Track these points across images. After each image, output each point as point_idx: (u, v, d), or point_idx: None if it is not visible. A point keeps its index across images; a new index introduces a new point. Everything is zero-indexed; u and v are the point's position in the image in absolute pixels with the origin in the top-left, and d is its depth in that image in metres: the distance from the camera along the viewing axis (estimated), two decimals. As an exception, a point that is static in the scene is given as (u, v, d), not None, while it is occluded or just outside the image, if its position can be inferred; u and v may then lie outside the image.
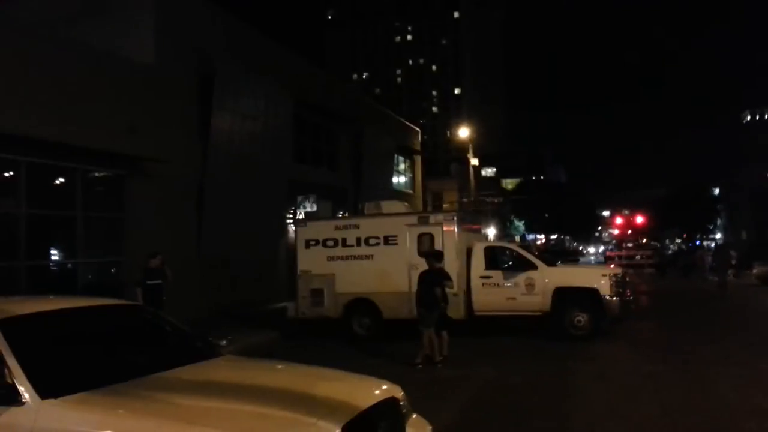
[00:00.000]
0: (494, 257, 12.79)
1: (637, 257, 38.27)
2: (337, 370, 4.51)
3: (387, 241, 12.99)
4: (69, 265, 13.82)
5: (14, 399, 3.30)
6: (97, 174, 14.30)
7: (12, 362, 3.44)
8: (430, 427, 4.23)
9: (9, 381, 3.37)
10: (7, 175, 12.30)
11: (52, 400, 3.29)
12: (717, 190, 79.69)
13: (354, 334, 12.92)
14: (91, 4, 15.22)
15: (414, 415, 4.26)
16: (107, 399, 3.38)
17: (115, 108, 13.69)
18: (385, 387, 4.13)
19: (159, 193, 14.88)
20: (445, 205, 43.62)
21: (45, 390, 3.33)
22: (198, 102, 16.77)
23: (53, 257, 13.95)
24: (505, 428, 6.38)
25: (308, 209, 21.06)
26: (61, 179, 13.69)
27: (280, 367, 4.57)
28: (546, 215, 70.60)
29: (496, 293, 12.42)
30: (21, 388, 3.32)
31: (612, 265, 18.81)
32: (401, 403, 4.11)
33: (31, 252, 12.20)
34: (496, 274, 12.48)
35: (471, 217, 16.42)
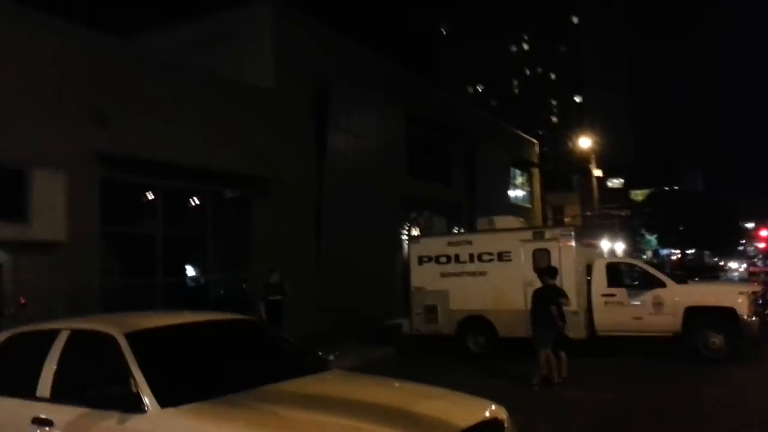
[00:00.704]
0: (617, 274, 12.16)
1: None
2: (441, 388, 4.47)
3: (501, 257, 12.73)
4: (201, 281, 14.86)
5: (138, 407, 3.59)
6: (224, 195, 15.31)
7: (137, 373, 3.75)
8: (536, 452, 4.06)
9: (134, 390, 3.67)
10: (145, 198, 13.47)
11: (171, 409, 3.55)
12: None
13: (469, 351, 12.74)
14: (213, 32, 16.38)
15: (520, 438, 4.12)
16: (219, 409, 3.59)
17: (239, 131, 14.62)
18: (488, 407, 4.05)
19: (280, 211, 15.64)
20: (566, 220, 42.08)
21: (165, 400, 3.60)
22: (314, 122, 17.49)
23: (187, 274, 15.07)
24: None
25: (422, 225, 21.19)
26: (193, 200, 14.79)
27: (384, 382, 4.61)
28: (680, 228, 65.77)
29: (620, 312, 11.75)
30: (144, 398, 3.61)
31: (756, 283, 17.03)
32: (505, 425, 4.00)
33: (167, 270, 13.24)
34: (620, 292, 11.82)
35: (590, 232, 15.69)
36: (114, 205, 11.90)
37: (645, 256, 51.05)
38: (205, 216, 14.42)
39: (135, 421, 3.55)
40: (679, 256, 68.52)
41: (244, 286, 15.27)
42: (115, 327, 4.20)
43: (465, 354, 12.67)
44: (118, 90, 11.97)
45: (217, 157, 13.65)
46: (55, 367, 4.14)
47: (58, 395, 4.00)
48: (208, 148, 13.55)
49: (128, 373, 3.76)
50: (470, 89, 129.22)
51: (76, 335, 4.33)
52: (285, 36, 16.75)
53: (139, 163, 11.91)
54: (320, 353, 5.08)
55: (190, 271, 15.20)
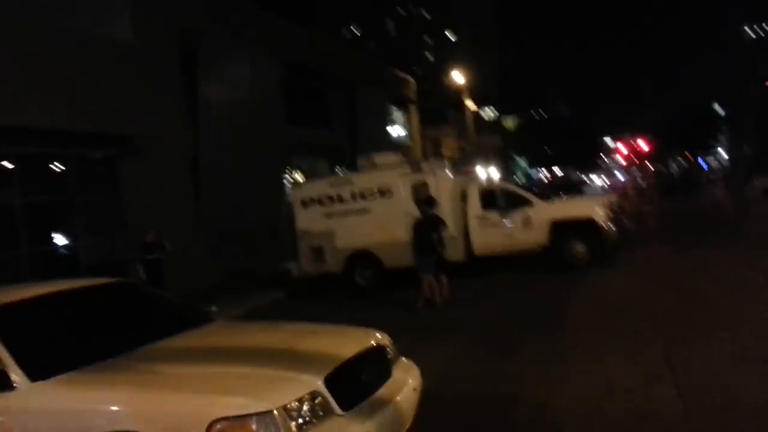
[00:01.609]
0: (490, 198, 12.81)
1: (642, 183, 38.12)
2: (325, 324, 4.64)
3: (382, 193, 13.04)
4: (71, 249, 14.02)
5: (6, 384, 3.44)
6: (90, 157, 14.33)
7: (1, 349, 3.57)
8: (417, 370, 4.35)
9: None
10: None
11: (42, 382, 3.44)
12: (718, 108, 78.43)
13: (357, 286, 13.13)
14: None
15: (402, 359, 4.38)
16: (95, 375, 3.52)
17: (101, 89, 13.57)
18: (371, 336, 4.25)
19: (154, 170, 14.92)
20: (445, 152, 43.40)
21: (35, 373, 3.47)
22: (184, 76, 16.61)
23: (56, 242, 14.14)
24: (501, 359, 6.54)
25: (304, 169, 21.12)
26: (54, 166, 13.74)
27: (267, 327, 4.71)
28: (546, 149, 70.09)
29: (494, 233, 12.51)
30: (11, 374, 3.46)
31: (616, 194, 18.67)
32: (387, 349, 4.23)
33: (32, 240, 12.37)
34: (492, 214, 12.56)
35: (465, 161, 16.37)
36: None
37: (516, 179, 54.07)
38: (71, 181, 13.48)
39: (4, 398, 3.41)
40: (550, 179, 73.17)
41: (117, 250, 14.59)
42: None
43: (354, 289, 13.05)
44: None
45: (78, 119, 12.66)
46: None
47: None
48: (67, 109, 12.52)
49: (-9, 351, 3.57)
50: (346, 32, 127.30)
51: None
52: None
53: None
54: (202, 306, 5.06)
55: (60, 239, 14.27)
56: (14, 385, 3.43)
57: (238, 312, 9.83)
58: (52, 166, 13.74)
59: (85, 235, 13.87)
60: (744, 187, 20.05)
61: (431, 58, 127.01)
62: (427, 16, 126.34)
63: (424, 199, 10.95)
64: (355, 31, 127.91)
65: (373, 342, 4.15)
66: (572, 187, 44.80)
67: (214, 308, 5.03)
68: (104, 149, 14.21)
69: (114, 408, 3.23)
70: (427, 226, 10.06)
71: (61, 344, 3.98)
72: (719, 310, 7.30)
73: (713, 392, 4.78)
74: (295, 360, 3.68)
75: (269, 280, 15.12)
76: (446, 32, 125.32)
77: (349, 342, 4.07)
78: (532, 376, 5.86)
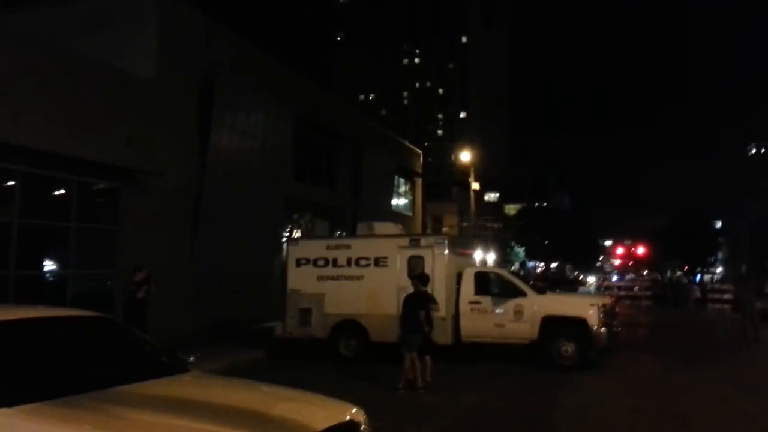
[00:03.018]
0: (484, 282, 12.74)
1: (635, 288, 38.01)
2: (301, 391, 4.50)
3: (378, 262, 12.99)
4: (60, 276, 13.85)
5: (-34, 407, 3.31)
6: (93, 186, 14.40)
7: (-32, 371, 3.46)
8: (389, 452, 4.20)
9: (-37, 390, 3.38)
10: (2, 183, 12.39)
11: (5, 410, 3.31)
12: (719, 223, 79.45)
13: (340, 355, 12.85)
14: (95, 16, 15.41)
15: (375, 440, 4.24)
16: (60, 410, 3.39)
17: (112, 120, 13.84)
18: (347, 410, 4.13)
19: (155, 207, 14.96)
20: (444, 229, 43.69)
21: (-1, 399, 3.34)
22: (197, 117, 16.93)
23: (45, 268, 13.99)
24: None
25: (304, 227, 21.13)
26: (57, 190, 13.78)
27: (242, 385, 4.57)
28: (546, 242, 70.46)
29: (484, 319, 12.36)
30: (-26, 396, 3.34)
31: (609, 296, 18.54)
32: (361, 426, 4.10)
33: (22, 262, 12.24)
34: (485, 300, 12.44)
35: (464, 242, 16.41)
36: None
37: (513, 267, 54.03)
38: (70, 207, 13.47)
39: (-37, 422, 3.27)
40: (543, 268, 73.30)
41: (110, 283, 14.43)
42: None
43: (336, 358, 12.77)
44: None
45: (87, 146, 12.83)
46: None
47: None
48: (77, 135, 12.73)
49: (-43, 372, 3.46)
50: (362, 97, 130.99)
51: None
52: (170, 25, 16.09)
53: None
54: (180, 355, 4.94)
55: (49, 264, 14.12)
56: (-25, 408, 3.30)
57: (216, 366, 9.57)
58: (54, 190, 13.79)
59: (77, 264, 13.73)
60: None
61: (440, 133, 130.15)
62: (440, 91, 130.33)
63: (417, 275, 10.90)
64: (369, 98, 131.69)
65: (348, 417, 4.03)
66: (567, 283, 44.78)
67: (192, 358, 4.90)
68: (108, 180, 14.30)
69: (74, 449, 3.10)
70: (417, 302, 9.96)
71: (31, 373, 3.85)
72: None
73: None
74: (266, 425, 3.56)
75: (252, 337, 14.86)
76: (457, 109, 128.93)
77: (323, 413, 3.95)
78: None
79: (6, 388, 3.47)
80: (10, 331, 4.09)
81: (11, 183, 12.18)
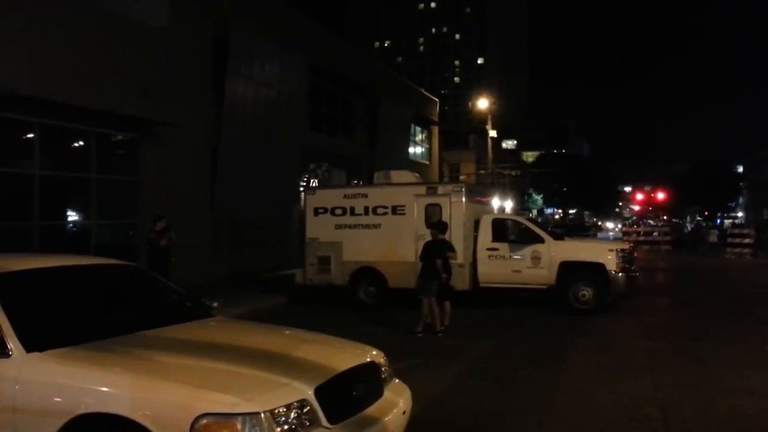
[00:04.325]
0: (502, 229, 12.75)
1: (655, 234, 37.78)
2: (322, 334, 4.61)
3: (395, 210, 13.02)
4: (83, 227, 14.11)
5: (2, 351, 3.44)
6: (111, 137, 14.48)
7: (1, 316, 3.57)
8: (409, 393, 4.30)
9: (-2, 334, 3.51)
10: (20, 136, 12.50)
11: (36, 354, 3.43)
12: (740, 168, 78.09)
13: (360, 301, 13.06)
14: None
15: (395, 381, 4.34)
16: (89, 354, 3.51)
17: (128, 72, 13.80)
18: (367, 352, 4.22)
19: (173, 157, 15.06)
20: (461, 177, 43.45)
21: (31, 344, 3.47)
22: (212, 67, 16.81)
23: (68, 218, 14.24)
24: (493, 395, 6.47)
25: (321, 177, 21.15)
26: (76, 142, 13.88)
27: (266, 329, 4.69)
28: (564, 189, 69.88)
29: (501, 265, 12.43)
30: (8, 341, 3.47)
31: (627, 241, 18.41)
32: (382, 368, 4.19)
33: (45, 212, 12.46)
34: (503, 247, 12.48)
35: (481, 189, 16.35)
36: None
37: (531, 214, 53.86)
38: (90, 158, 13.60)
39: (-2, 365, 3.41)
40: (561, 215, 72.96)
41: (131, 233, 14.68)
42: (-21, 269, 3.96)
43: (356, 304, 12.98)
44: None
45: (104, 97, 12.86)
46: None
47: None
48: (95, 87, 12.74)
49: (-8, 317, 3.58)
50: (377, 44, 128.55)
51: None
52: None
53: (15, 98, 10.99)
54: (204, 301, 5.05)
55: (72, 215, 14.37)
56: (9, 353, 3.43)
57: (239, 312, 9.80)
58: (73, 142, 13.89)
59: (99, 215, 13.96)
60: None
61: (457, 80, 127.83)
62: (457, 37, 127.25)
63: (435, 223, 10.91)
64: (385, 45, 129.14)
65: (368, 359, 4.12)
66: (585, 229, 44.62)
67: (215, 304, 5.03)
68: (126, 131, 14.36)
69: (104, 389, 3.22)
70: (435, 249, 10.01)
71: (61, 319, 3.98)
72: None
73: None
74: (289, 366, 3.65)
75: (272, 284, 15.11)
76: (475, 56, 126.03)
77: (344, 355, 4.04)
78: (522, 416, 5.77)
79: (38, 333, 3.59)
80: (43, 279, 4.21)
81: (31, 135, 12.28)
